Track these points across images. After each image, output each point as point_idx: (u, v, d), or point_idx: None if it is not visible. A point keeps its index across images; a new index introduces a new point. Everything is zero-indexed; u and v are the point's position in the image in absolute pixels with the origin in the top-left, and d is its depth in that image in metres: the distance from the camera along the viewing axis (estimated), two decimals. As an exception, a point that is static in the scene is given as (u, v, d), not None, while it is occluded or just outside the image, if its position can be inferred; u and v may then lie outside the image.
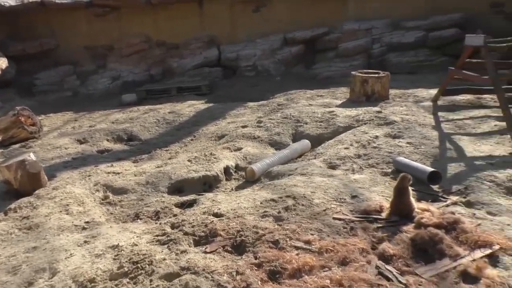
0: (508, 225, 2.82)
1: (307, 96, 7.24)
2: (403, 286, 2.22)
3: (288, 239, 2.76)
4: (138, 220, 3.60)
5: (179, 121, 6.70)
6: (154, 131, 6.39)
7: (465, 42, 5.06)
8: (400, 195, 2.98)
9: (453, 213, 2.93)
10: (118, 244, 2.94)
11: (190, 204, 3.74)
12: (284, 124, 5.69)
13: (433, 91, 6.63)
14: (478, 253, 2.45)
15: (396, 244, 2.61)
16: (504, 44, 4.67)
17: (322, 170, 4.08)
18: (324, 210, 3.16)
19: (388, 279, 2.28)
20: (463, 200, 3.34)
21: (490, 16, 9.15)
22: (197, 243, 2.91)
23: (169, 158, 5.12)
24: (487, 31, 8.36)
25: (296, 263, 2.44)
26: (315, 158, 4.58)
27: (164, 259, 2.68)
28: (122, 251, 2.83)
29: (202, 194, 3.95)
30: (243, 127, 5.84)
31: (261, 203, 3.38)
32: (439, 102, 6.07)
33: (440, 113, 5.58)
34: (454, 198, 3.36)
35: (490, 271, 2.28)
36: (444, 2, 9.50)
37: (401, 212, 2.97)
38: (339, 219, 3.02)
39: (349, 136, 4.93)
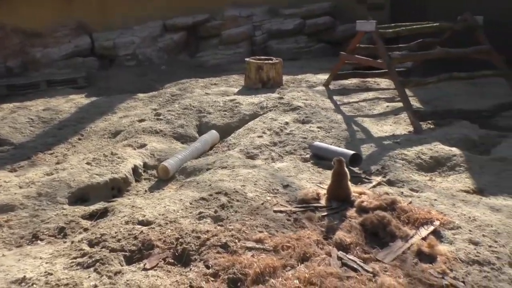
0: (435, 200, 3.01)
1: (200, 85, 6.93)
2: (371, 274, 2.16)
3: (237, 241, 2.51)
4: (39, 242, 2.95)
5: (58, 118, 5.81)
6: (29, 132, 5.42)
7: (356, 27, 5.33)
8: (339, 179, 2.95)
9: (387, 193, 3.02)
10: (25, 276, 2.34)
11: (102, 214, 3.21)
12: (186, 115, 5.33)
13: (321, 76, 6.94)
14: (424, 231, 2.54)
15: (348, 232, 2.56)
16: (391, 30, 5.04)
17: (243, 161, 3.89)
18: (262, 204, 2.98)
19: (355, 270, 2.21)
20: (384, 179, 3.49)
21: (354, 6, 9.99)
22: (130, 260, 2.47)
23: (57, 163, 4.39)
24: (352, 20, 9.16)
25: (257, 266, 2.22)
26: (229, 149, 4.36)
27: (96, 286, 2.20)
28: (34, 285, 2.26)
29: (113, 201, 3.43)
30: (140, 121, 5.31)
31: (190, 203, 3.05)
32: (331, 87, 6.35)
33: (335, 97, 5.82)
34: (377, 178, 3.49)
35: (441, 247, 2.36)
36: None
37: (339, 197, 2.95)
38: (281, 212, 2.87)
39: (259, 124, 4.81)
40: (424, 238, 2.45)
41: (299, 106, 5.18)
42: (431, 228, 2.55)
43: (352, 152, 3.69)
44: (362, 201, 2.84)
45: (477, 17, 5.25)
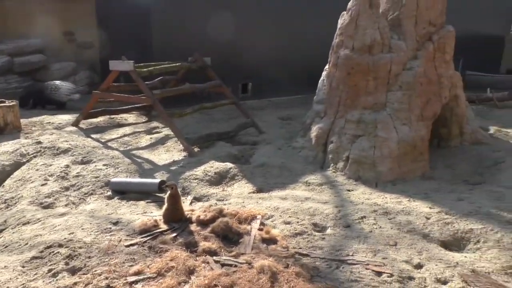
0: (243, 202, 3.79)
1: None
2: (247, 264, 2.69)
3: (116, 280, 2.50)
4: None
5: None
6: None
7: (110, 67, 5.57)
8: (175, 202, 3.29)
9: (211, 205, 3.57)
10: None
11: None
12: None
13: (61, 116, 6.72)
14: (255, 224, 3.25)
15: (207, 241, 2.97)
16: (145, 69, 5.58)
17: (44, 212, 3.56)
18: (108, 244, 2.96)
19: (234, 265, 2.68)
20: (191, 198, 4.02)
21: (63, 46, 9.94)
22: None
23: None
24: (64, 58, 9.16)
25: (158, 292, 2.35)
26: (13, 205, 3.82)
27: None
28: None
29: None
30: None
31: (24, 266, 2.68)
32: (82, 126, 6.26)
33: (94, 135, 5.83)
34: (187, 198, 3.98)
35: (274, 231, 3.14)
36: (21, 27, 9.34)
37: (177, 217, 3.29)
38: (133, 245, 2.97)
39: (31, 172, 4.37)
40: (260, 229, 3.17)
41: (68, 148, 4.98)
42: (258, 221, 3.30)
43: (158, 180, 4.02)
44: (199, 216, 3.30)
45: (206, 58, 6.50)
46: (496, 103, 8.18)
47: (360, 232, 3.22)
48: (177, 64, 6.18)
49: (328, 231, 3.29)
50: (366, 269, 2.71)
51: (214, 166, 4.64)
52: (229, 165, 4.70)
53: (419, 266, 2.78)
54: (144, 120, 6.89)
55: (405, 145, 4.62)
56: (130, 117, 6.97)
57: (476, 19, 11.25)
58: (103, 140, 5.63)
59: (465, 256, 2.95)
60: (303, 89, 9.39)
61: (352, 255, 2.88)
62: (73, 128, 6.11)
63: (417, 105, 4.86)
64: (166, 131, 6.08)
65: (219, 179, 4.50)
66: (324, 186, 4.30)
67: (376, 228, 3.29)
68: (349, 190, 4.21)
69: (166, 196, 3.34)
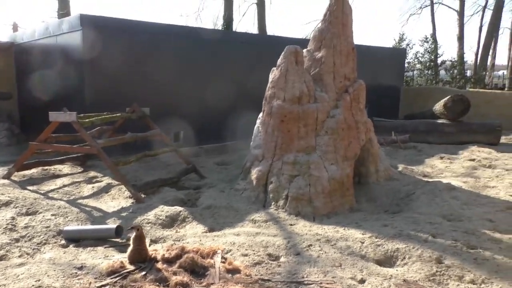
0: (200, 240, 4.07)
1: None
2: (219, 292, 2.99)
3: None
4: None
5: None
6: None
7: (50, 118, 5.60)
8: (141, 243, 3.48)
9: (174, 244, 3.80)
10: None
11: None
12: None
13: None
14: (218, 258, 3.56)
15: (177, 275, 3.21)
16: (87, 120, 5.70)
17: (-1, 264, 3.52)
18: (79, 287, 3.07)
19: (207, 293, 2.96)
20: (148, 240, 4.19)
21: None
22: None
23: None
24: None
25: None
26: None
27: None
28: None
29: None
30: None
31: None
32: (15, 178, 6.08)
33: (31, 187, 5.71)
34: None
35: (235, 263, 3.47)
36: None
37: (142, 257, 3.48)
38: (104, 286, 3.11)
39: (-27, 227, 4.22)
40: (223, 262, 3.48)
41: (9, 200, 4.87)
42: (220, 255, 3.61)
43: (115, 225, 4.16)
44: (163, 254, 3.53)
45: (145, 108, 6.78)
46: (400, 145, 9.43)
47: (309, 258, 3.68)
48: (118, 114, 6.38)
49: (282, 259, 3.70)
50: (320, 287, 3.16)
51: (164, 210, 4.86)
52: (178, 208, 4.95)
53: (362, 281, 3.30)
54: (80, 170, 6.85)
55: (334, 182, 5.29)
56: (65, 168, 6.88)
57: (378, 74, 13.00)
58: (42, 192, 5.55)
59: (397, 270, 3.54)
60: (231, 136, 9.97)
61: (307, 277, 3.32)
62: (6, 181, 5.92)
63: (341, 147, 5.61)
64: (107, 179, 6.15)
65: (171, 222, 4.73)
66: (269, 222, 4.74)
67: (322, 254, 3.78)
68: (291, 224, 4.70)
69: (132, 237, 3.53)
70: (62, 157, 6.66)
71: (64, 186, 5.90)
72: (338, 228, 4.49)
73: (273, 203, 5.24)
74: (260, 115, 6.13)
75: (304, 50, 6.09)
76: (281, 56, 5.76)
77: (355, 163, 5.93)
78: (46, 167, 6.64)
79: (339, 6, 6.07)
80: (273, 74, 5.84)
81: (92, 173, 6.62)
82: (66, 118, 5.47)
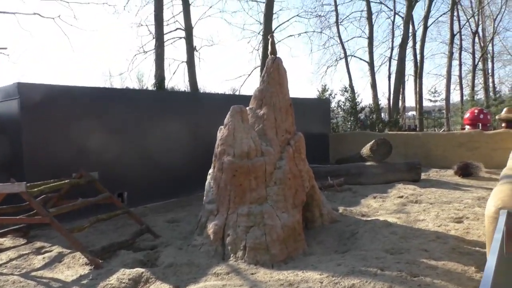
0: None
1: None
2: None
3: None
4: None
5: None
6: None
7: (-3, 191, 5.45)
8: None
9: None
10: None
11: None
12: None
13: None
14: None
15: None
16: (36, 189, 5.62)
17: None
18: None
19: None
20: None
21: None
22: None
23: None
24: None
25: None
26: None
27: None
28: None
29: None
30: None
31: None
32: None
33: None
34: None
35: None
36: None
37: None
38: None
39: None
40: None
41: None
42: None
43: (81, 293, 4.13)
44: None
45: (93, 173, 6.78)
46: (337, 188, 10.15)
47: (278, 302, 3.96)
48: (66, 181, 6.33)
49: (253, 307, 3.93)
50: (293, 328, 3.44)
51: (126, 273, 4.88)
52: (140, 270, 4.99)
53: (329, 317, 3.63)
54: (23, 242, 6.57)
55: (287, 229, 5.67)
56: (6, 241, 6.56)
57: (308, 123, 13.98)
58: (-13, 268, 5.28)
59: (356, 303, 3.93)
60: (176, 193, 10.10)
61: (280, 320, 3.58)
62: None
63: (290, 196, 6.06)
64: (57, 248, 5.99)
65: (134, 284, 4.75)
66: (231, 274, 4.95)
67: (288, 297, 4.07)
68: (253, 273, 4.94)
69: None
70: (2, 230, 6.36)
71: (12, 260, 5.65)
72: (297, 271, 4.82)
73: (232, 255, 5.46)
74: (210, 170, 6.44)
75: (247, 108, 6.61)
76: (227, 115, 6.21)
77: (302, 209, 6.40)
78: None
79: (275, 68, 6.76)
80: (221, 132, 6.25)
81: (38, 244, 6.38)
82: (15, 189, 5.37)
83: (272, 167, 6.10)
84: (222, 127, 6.30)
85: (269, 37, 7.06)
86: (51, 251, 5.95)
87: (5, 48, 18.04)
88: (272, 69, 6.76)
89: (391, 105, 27.17)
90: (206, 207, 6.17)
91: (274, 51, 6.92)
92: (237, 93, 26.29)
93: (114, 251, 5.68)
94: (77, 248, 5.35)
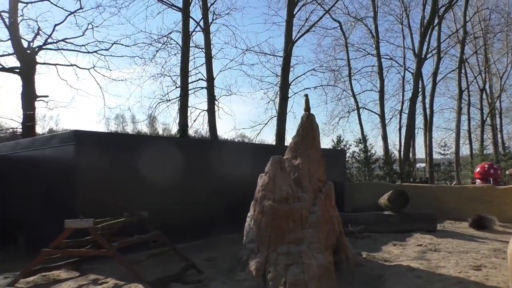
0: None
1: None
2: None
3: None
4: None
5: None
6: None
7: (65, 225, 6.18)
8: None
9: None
10: None
11: None
12: None
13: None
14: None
15: None
16: (100, 226, 6.35)
17: None
18: None
19: None
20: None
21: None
22: None
23: None
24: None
25: None
26: None
27: None
28: None
29: None
30: None
31: None
32: (20, 286, 6.35)
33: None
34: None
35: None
36: None
37: None
38: None
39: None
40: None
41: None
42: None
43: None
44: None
45: (143, 212, 7.51)
46: (357, 235, 10.72)
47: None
48: (122, 219, 7.06)
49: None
50: None
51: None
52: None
53: None
54: (77, 275, 7.19)
55: (322, 268, 6.28)
56: (61, 273, 7.19)
57: (326, 172, 14.66)
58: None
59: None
60: (201, 235, 10.65)
61: None
62: (13, 288, 6.19)
63: (322, 238, 6.72)
64: (112, 280, 6.61)
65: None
66: (275, 306, 5.53)
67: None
68: (294, 307, 5.53)
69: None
70: (61, 263, 7.02)
71: (73, 288, 6.27)
72: (335, 306, 5.41)
73: (273, 290, 6.06)
74: (250, 213, 7.15)
75: (284, 158, 7.42)
76: (268, 164, 7.01)
77: (331, 252, 7.02)
78: (44, 273, 6.94)
79: (309, 124, 7.65)
80: (262, 179, 7.03)
81: (92, 276, 6.99)
82: (84, 224, 6.10)
83: (307, 212, 6.80)
84: (262, 174, 7.08)
85: (304, 96, 7.99)
86: (107, 282, 6.57)
87: (47, 96, 19.36)
88: (307, 124, 7.64)
89: (401, 157, 27.92)
90: (247, 246, 6.83)
91: (308, 108, 7.82)
92: (253, 141, 27.27)
93: (166, 283, 6.29)
94: (137, 279, 5.98)
